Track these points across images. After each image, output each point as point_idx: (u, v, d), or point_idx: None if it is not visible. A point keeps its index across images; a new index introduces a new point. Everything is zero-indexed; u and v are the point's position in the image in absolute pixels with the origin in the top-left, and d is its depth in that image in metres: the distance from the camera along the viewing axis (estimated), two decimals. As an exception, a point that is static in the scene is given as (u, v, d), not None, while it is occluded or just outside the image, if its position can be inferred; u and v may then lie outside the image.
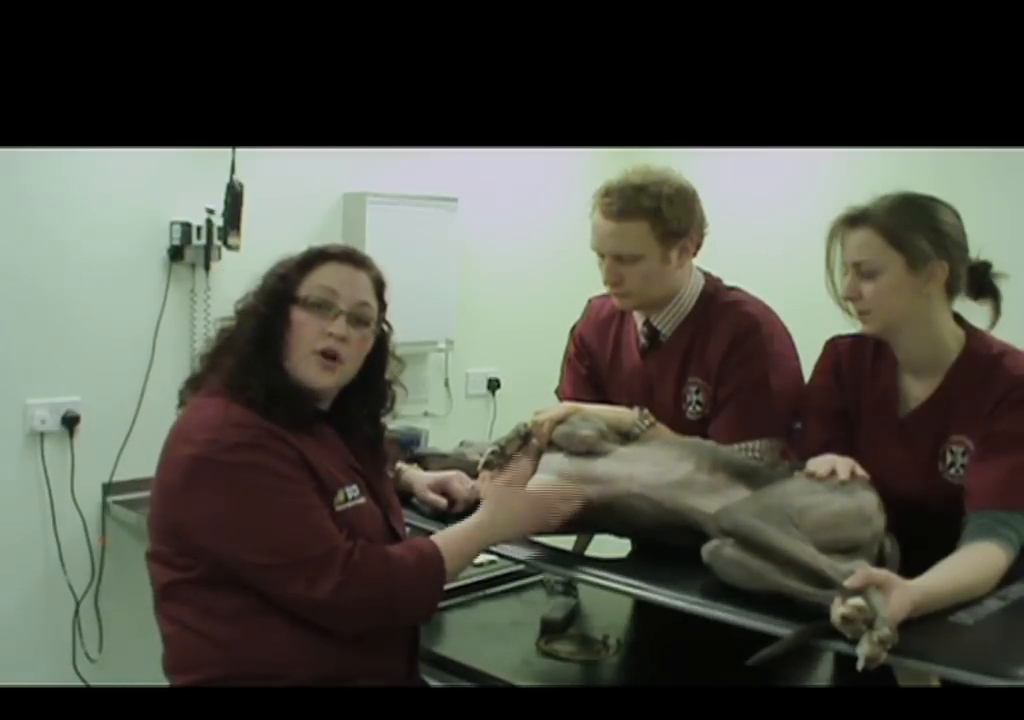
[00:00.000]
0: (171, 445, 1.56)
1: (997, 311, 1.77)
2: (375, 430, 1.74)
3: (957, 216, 1.74)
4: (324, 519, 1.52)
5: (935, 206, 1.74)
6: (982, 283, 1.76)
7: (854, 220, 1.74)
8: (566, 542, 1.88)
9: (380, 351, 1.70)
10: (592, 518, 1.77)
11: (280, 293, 1.60)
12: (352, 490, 1.58)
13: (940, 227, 1.71)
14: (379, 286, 1.68)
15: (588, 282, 2.29)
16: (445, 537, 1.63)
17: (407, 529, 1.82)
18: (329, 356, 1.58)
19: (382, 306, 1.69)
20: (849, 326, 1.84)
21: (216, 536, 1.50)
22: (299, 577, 1.47)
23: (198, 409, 1.58)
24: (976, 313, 1.79)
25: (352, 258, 1.65)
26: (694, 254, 2.03)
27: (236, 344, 1.60)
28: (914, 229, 1.69)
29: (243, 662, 1.50)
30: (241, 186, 2.95)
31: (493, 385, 3.82)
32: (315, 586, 1.46)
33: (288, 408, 1.55)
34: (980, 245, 1.75)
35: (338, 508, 1.55)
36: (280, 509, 1.49)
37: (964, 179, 2.81)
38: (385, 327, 1.71)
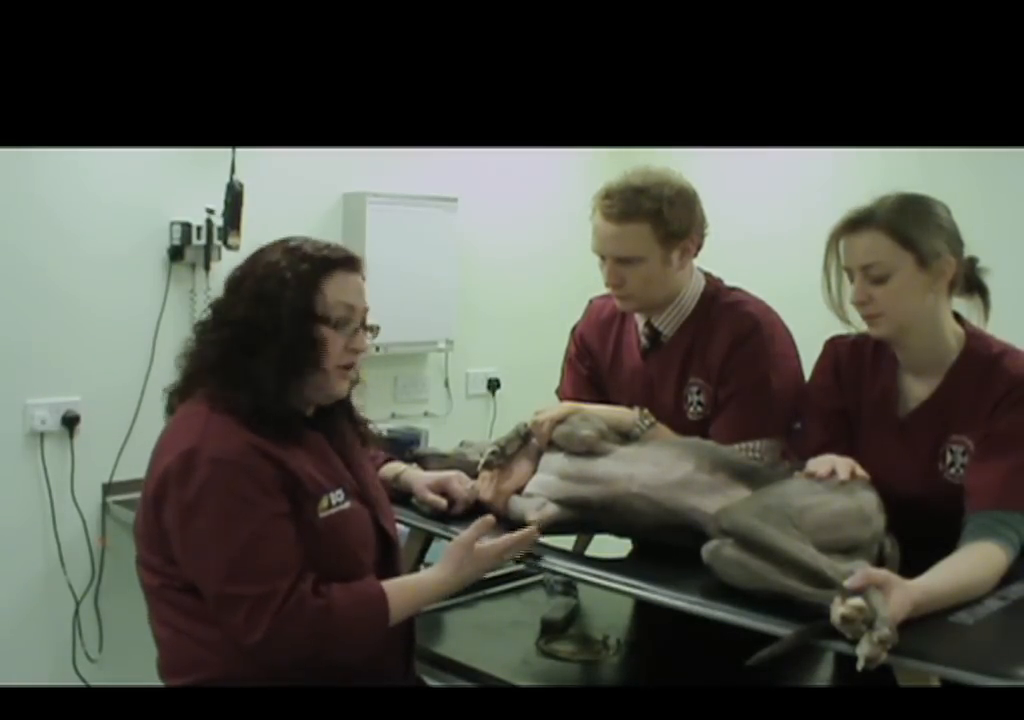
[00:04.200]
0: (154, 455, 1.55)
1: (987, 307, 1.77)
2: (351, 416, 1.73)
3: (949, 212, 1.74)
4: (278, 553, 1.48)
5: (932, 203, 1.74)
6: (971, 279, 1.76)
7: (857, 223, 1.72)
8: (566, 542, 1.88)
9: None
10: (592, 518, 1.77)
11: (301, 311, 1.54)
12: (337, 495, 1.57)
13: (942, 223, 1.71)
14: None
15: (588, 282, 2.29)
16: (397, 585, 1.58)
17: (407, 529, 1.82)
18: (347, 367, 1.60)
19: None
20: (847, 328, 1.84)
21: (177, 550, 1.50)
22: (235, 614, 1.45)
23: (180, 420, 1.57)
24: (962, 312, 1.79)
25: (355, 265, 1.62)
26: (695, 255, 2.03)
27: (237, 356, 1.54)
28: (921, 227, 1.69)
29: (235, 663, 1.49)
30: (241, 186, 2.95)
31: (493, 385, 3.81)
32: (246, 633, 1.44)
33: (275, 421, 1.52)
34: (967, 243, 1.74)
35: (322, 514, 1.53)
36: (234, 540, 1.46)
37: (948, 177, 2.81)
38: None
